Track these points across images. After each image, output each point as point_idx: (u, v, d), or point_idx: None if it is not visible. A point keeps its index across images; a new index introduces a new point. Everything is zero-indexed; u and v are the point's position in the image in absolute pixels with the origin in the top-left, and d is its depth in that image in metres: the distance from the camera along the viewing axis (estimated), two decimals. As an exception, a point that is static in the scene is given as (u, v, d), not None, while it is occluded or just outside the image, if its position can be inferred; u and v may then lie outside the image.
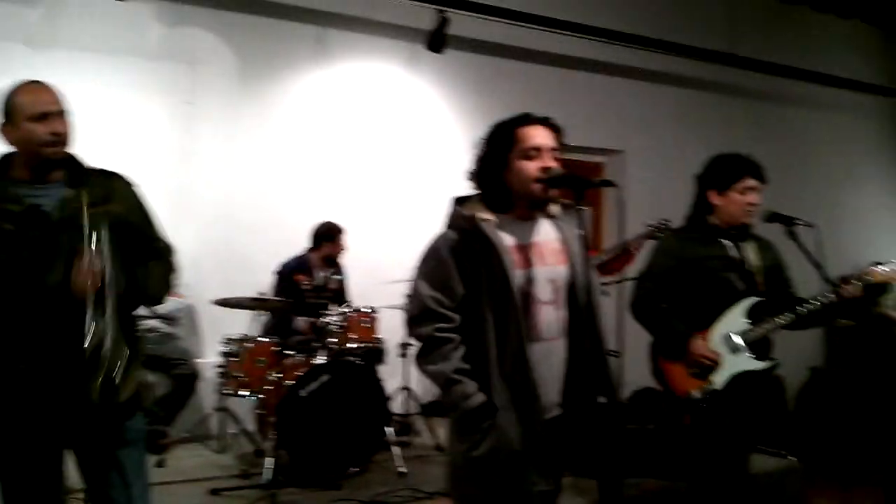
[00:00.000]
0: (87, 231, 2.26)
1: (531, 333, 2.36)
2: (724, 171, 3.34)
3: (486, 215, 2.41)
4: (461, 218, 2.43)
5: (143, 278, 2.45)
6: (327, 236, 5.55)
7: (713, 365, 3.22)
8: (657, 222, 5.27)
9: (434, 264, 2.42)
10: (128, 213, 2.43)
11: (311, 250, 5.56)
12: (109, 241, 2.32)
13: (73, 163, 2.43)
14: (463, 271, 2.36)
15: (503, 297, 2.32)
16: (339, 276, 5.59)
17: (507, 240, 2.39)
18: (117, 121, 5.35)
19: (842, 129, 8.78)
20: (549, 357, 2.39)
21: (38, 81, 2.39)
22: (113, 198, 2.41)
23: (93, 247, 2.27)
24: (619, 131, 7.43)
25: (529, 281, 2.38)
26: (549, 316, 2.40)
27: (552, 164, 2.39)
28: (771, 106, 8.20)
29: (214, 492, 4.07)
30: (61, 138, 2.34)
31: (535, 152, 2.38)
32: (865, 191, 9.04)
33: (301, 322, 5.28)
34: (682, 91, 7.70)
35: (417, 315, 2.41)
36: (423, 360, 2.40)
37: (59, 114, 2.35)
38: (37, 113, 2.31)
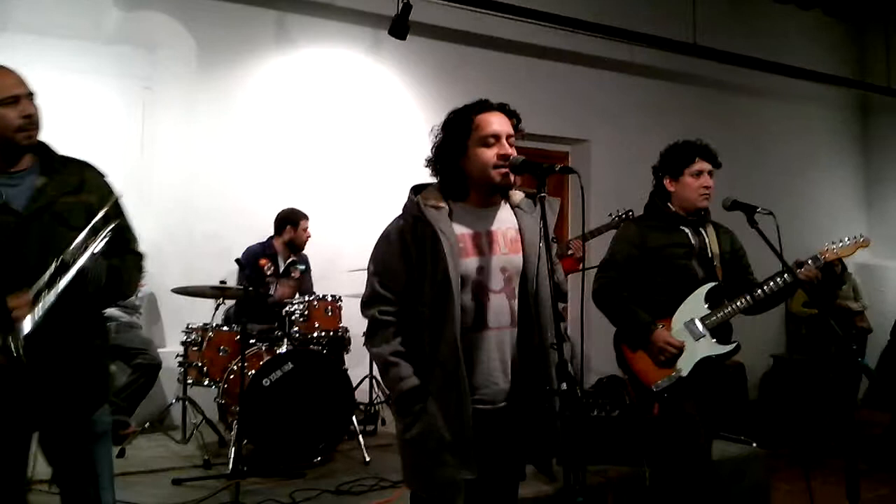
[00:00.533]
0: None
1: (477, 321, 2.38)
2: (675, 158, 3.40)
3: (437, 203, 2.43)
4: (412, 204, 2.46)
5: (120, 272, 2.39)
6: (290, 221, 5.51)
7: (678, 353, 3.25)
8: (620, 213, 5.32)
9: (384, 249, 2.48)
10: (100, 204, 2.36)
11: (274, 237, 5.52)
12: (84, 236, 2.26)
13: (44, 149, 2.38)
14: (409, 257, 2.40)
15: (443, 285, 2.34)
16: (301, 267, 5.55)
17: (458, 228, 2.41)
18: (74, 106, 5.22)
19: (803, 120, 8.93)
20: (498, 346, 2.41)
21: (1, 66, 2.33)
22: (85, 188, 2.36)
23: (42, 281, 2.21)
24: (584, 121, 7.45)
25: (480, 269, 2.40)
26: (499, 305, 2.41)
27: (510, 150, 2.41)
28: (734, 96, 8.31)
29: (177, 482, 4.01)
30: (33, 122, 2.28)
31: (493, 139, 2.40)
32: (826, 180, 9.22)
33: (280, 289, 5.24)
34: (646, 81, 7.74)
35: (366, 297, 2.48)
36: (368, 341, 2.48)
37: (29, 96, 2.29)
38: (7, 97, 2.25)
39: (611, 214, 5.38)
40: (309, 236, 5.54)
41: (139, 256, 2.48)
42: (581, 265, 4.57)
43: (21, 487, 2.38)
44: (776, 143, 8.62)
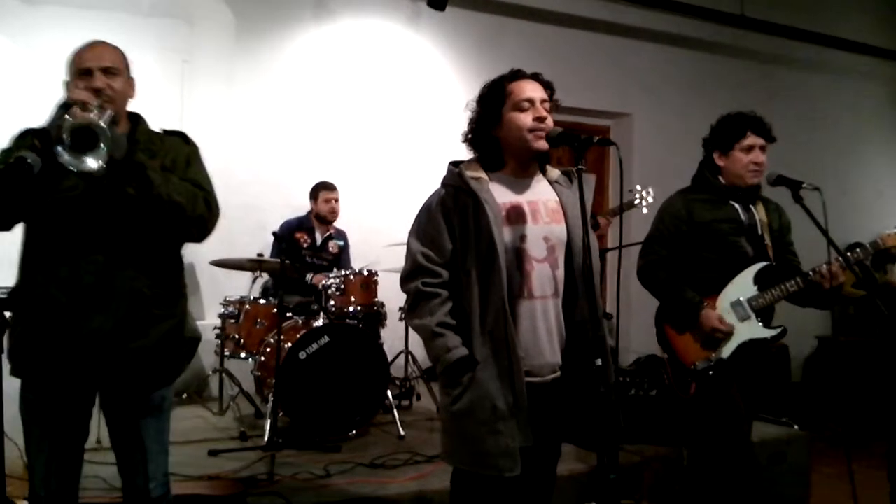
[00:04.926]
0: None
1: (521, 290, 2.36)
2: (726, 131, 3.26)
3: (479, 173, 2.43)
4: (452, 175, 2.45)
5: (182, 187, 2.31)
6: (312, 193, 5.56)
7: (726, 337, 3.16)
8: (640, 190, 5.17)
9: (425, 221, 2.46)
10: (170, 165, 2.39)
11: (310, 211, 5.55)
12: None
13: (135, 121, 2.47)
14: (451, 227, 2.39)
15: (489, 253, 2.32)
16: (340, 243, 5.55)
17: (499, 196, 2.40)
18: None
19: (851, 93, 8.65)
20: (544, 316, 2.38)
21: (94, 41, 2.42)
22: (158, 154, 2.38)
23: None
24: (626, 94, 7.31)
25: (522, 237, 2.38)
26: (543, 274, 2.39)
27: (545, 113, 2.39)
28: (780, 69, 8.07)
29: (213, 453, 4.05)
30: (103, 95, 2.29)
31: (527, 104, 2.39)
32: (876, 158, 8.94)
33: (317, 276, 5.25)
34: (691, 53, 7.56)
35: (408, 271, 2.45)
36: (410, 314, 2.47)
37: (103, 70, 2.34)
38: (78, 69, 2.34)
39: (630, 191, 5.23)
40: (332, 208, 5.53)
41: (205, 192, 2.41)
42: (605, 242, 4.48)
43: (77, 450, 2.41)
44: (825, 120, 8.37)
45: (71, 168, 2.05)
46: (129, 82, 2.46)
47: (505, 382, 2.30)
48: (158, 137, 2.47)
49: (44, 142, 2.09)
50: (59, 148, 2.03)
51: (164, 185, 2.24)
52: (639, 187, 5.22)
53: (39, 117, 2.26)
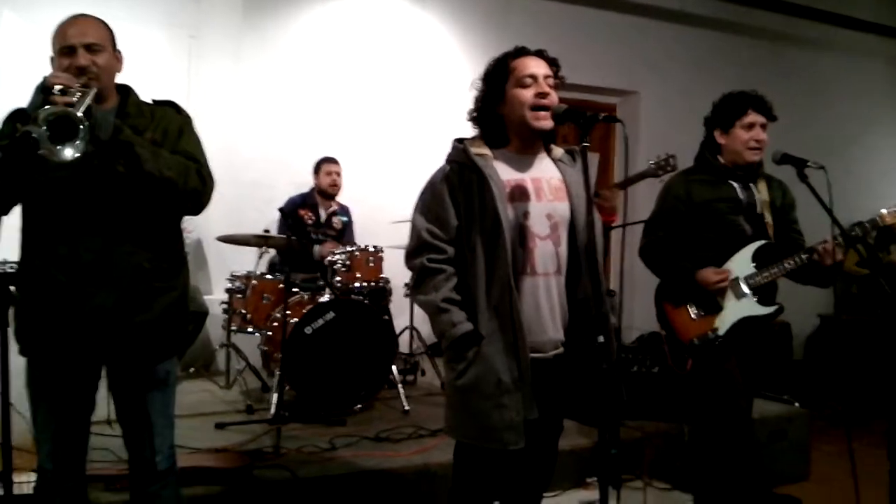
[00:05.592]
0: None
1: (524, 267, 2.38)
2: (727, 109, 3.28)
3: (483, 150, 2.44)
4: (457, 151, 2.46)
5: (172, 160, 2.28)
6: (315, 168, 5.57)
7: (726, 286, 3.17)
8: (659, 159, 5.11)
9: (429, 197, 2.47)
10: (161, 138, 2.36)
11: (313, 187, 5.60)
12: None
13: (125, 93, 2.42)
14: (456, 203, 2.40)
15: (493, 229, 2.34)
16: (344, 218, 5.56)
17: (503, 173, 2.41)
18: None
19: (859, 73, 8.58)
20: (546, 292, 2.40)
21: (77, 15, 2.35)
22: (150, 127, 2.35)
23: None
24: (633, 72, 7.28)
25: (525, 214, 2.39)
26: (546, 251, 2.41)
27: (548, 90, 2.39)
28: (790, 48, 8.01)
29: (220, 426, 4.09)
30: (85, 72, 2.25)
31: (530, 80, 2.39)
32: (884, 139, 8.88)
33: (321, 249, 5.28)
34: (698, 31, 7.51)
35: (413, 247, 2.47)
36: (415, 290, 2.48)
37: (86, 47, 2.28)
38: (61, 47, 2.29)
39: (650, 161, 5.17)
40: (334, 181, 5.55)
41: (198, 164, 2.39)
42: (614, 218, 4.41)
43: (84, 424, 2.43)
44: (833, 100, 8.31)
45: (46, 157, 1.98)
46: (116, 56, 2.40)
47: (510, 356, 2.32)
48: (149, 109, 2.43)
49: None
50: (36, 138, 1.95)
51: (153, 160, 2.21)
52: (660, 156, 5.15)
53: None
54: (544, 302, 2.39)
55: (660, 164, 5.06)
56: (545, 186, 2.44)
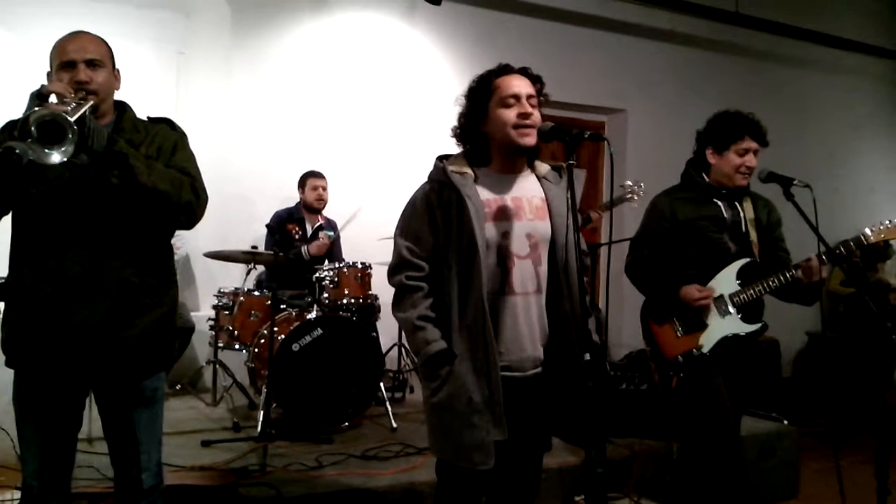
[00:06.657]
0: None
1: (503, 286, 2.39)
2: (724, 130, 3.28)
3: (463, 169, 2.44)
4: (437, 170, 2.47)
5: (168, 173, 2.28)
6: (299, 182, 5.56)
7: (708, 303, 3.18)
8: (631, 185, 5.22)
9: (409, 215, 2.49)
10: (155, 154, 2.36)
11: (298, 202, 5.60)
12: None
13: (121, 109, 2.42)
14: (434, 222, 2.41)
15: (469, 249, 2.35)
16: (330, 233, 5.55)
17: (483, 193, 2.42)
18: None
19: (844, 91, 8.66)
20: (525, 311, 2.41)
21: (77, 31, 2.36)
22: (144, 142, 2.35)
23: None
24: (621, 90, 7.32)
25: (505, 234, 2.40)
26: (525, 270, 2.41)
27: (530, 110, 2.39)
28: (776, 67, 8.08)
29: (206, 443, 4.07)
30: (84, 87, 2.26)
31: (512, 100, 2.39)
32: (869, 156, 8.96)
33: (313, 247, 5.28)
34: (686, 50, 7.57)
35: (394, 265, 2.49)
36: (395, 307, 2.49)
37: (86, 63, 2.29)
38: (61, 62, 2.30)
39: (622, 186, 5.28)
40: (320, 195, 5.53)
41: (192, 178, 2.37)
42: (598, 237, 4.52)
43: (70, 441, 2.41)
44: (818, 117, 8.39)
45: (33, 160, 1.95)
46: (115, 74, 2.41)
47: (481, 376, 2.33)
48: (144, 125, 2.44)
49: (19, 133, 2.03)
50: (27, 139, 1.96)
51: (147, 173, 2.21)
52: (629, 182, 5.26)
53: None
54: (523, 321, 2.40)
55: (627, 190, 5.20)
56: (525, 206, 2.44)
